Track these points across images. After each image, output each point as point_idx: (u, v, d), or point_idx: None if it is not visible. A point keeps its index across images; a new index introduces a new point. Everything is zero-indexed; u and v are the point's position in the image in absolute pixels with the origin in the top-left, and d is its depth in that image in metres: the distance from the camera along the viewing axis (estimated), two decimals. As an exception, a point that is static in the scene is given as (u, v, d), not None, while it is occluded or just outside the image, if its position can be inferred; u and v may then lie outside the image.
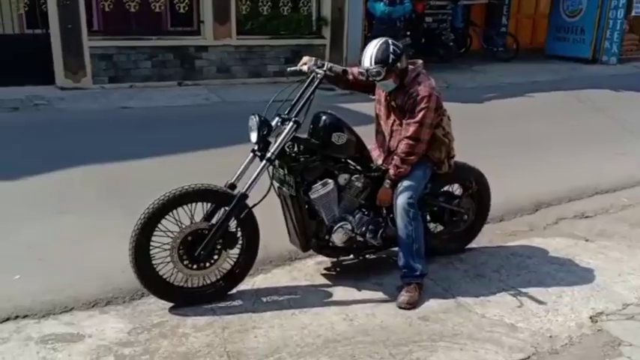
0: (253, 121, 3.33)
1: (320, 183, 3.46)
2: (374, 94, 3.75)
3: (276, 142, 3.33)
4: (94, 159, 5.67)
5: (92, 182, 5.19)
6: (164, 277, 3.29)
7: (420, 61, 3.63)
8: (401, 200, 3.48)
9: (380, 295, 3.54)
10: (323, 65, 3.50)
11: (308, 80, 3.49)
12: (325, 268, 3.84)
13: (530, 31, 15.57)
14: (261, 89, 8.95)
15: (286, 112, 3.43)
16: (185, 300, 3.36)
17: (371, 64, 3.38)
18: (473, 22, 14.08)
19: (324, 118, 3.50)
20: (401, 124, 3.55)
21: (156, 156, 5.87)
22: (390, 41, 3.45)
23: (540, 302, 3.46)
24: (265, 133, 3.33)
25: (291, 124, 3.34)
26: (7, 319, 3.14)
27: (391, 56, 3.38)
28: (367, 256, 3.84)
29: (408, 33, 11.46)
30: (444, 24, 13.05)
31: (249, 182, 3.30)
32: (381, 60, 3.36)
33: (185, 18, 9.70)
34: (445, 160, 3.66)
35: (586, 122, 8.17)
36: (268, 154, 3.31)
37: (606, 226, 4.69)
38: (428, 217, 4.00)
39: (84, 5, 8.63)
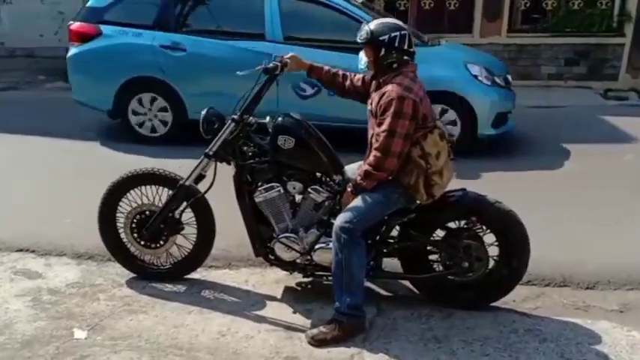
0: (201, 114, 3.27)
1: (264, 187, 3.18)
2: None
3: (216, 138, 3.21)
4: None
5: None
6: (126, 247, 3.53)
7: (415, 65, 2.99)
8: (337, 222, 2.93)
9: (297, 321, 3.07)
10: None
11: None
12: (296, 283, 3.47)
13: None
14: (529, 93, 7.95)
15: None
16: (139, 272, 3.55)
17: (370, 27, 2.94)
18: None
19: (278, 119, 3.18)
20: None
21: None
22: (404, 29, 2.94)
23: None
24: (217, 127, 3.24)
25: (229, 121, 3.16)
26: (20, 250, 3.88)
27: (386, 36, 2.89)
28: (324, 278, 3.31)
29: None
30: None
31: (190, 174, 3.29)
32: (375, 30, 2.91)
33: (457, 16, 9.29)
34: (421, 188, 2.88)
35: None
36: (207, 150, 3.22)
37: None
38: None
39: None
